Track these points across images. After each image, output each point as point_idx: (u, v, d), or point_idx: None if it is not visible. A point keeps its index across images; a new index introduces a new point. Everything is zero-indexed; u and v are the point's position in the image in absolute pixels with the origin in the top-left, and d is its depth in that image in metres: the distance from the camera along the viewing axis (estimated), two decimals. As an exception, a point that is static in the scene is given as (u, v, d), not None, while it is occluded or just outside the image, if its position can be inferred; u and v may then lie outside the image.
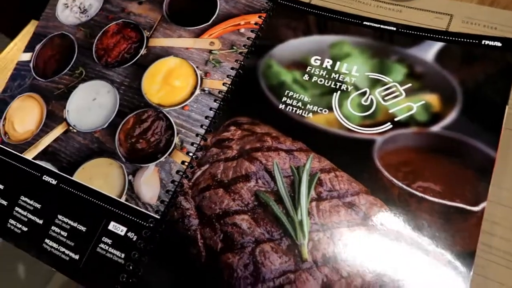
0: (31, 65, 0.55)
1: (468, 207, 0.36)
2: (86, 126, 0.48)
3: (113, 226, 0.42)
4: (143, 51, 0.51)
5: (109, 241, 0.41)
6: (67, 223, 0.43)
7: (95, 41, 0.53)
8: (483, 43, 0.44)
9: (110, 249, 0.41)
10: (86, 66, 0.52)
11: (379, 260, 0.36)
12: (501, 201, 0.36)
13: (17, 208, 0.45)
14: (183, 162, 0.44)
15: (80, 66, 0.52)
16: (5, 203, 0.46)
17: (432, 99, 0.43)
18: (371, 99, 0.44)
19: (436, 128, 0.41)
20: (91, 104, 0.49)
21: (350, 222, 0.38)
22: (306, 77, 0.47)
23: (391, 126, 0.42)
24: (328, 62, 0.47)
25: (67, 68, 0.52)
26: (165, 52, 0.50)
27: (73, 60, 0.53)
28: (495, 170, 0.37)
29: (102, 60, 0.52)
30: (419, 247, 0.36)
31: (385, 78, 0.45)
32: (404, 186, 0.39)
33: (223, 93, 0.47)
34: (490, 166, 0.38)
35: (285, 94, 0.46)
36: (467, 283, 0.33)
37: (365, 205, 0.38)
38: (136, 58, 0.51)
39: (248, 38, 0.50)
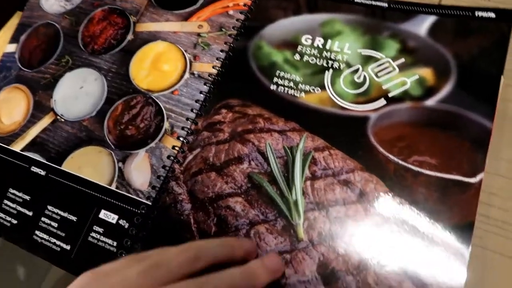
0: (16, 56, 0.53)
1: (465, 179, 0.35)
2: (74, 115, 0.47)
3: (104, 214, 0.41)
4: (130, 37, 0.50)
5: (101, 230, 0.40)
6: (57, 214, 0.42)
7: (81, 28, 0.52)
8: (476, 14, 0.43)
9: (102, 238, 0.40)
10: (73, 54, 0.51)
11: (376, 237, 0.35)
12: (498, 171, 0.35)
13: (5, 201, 0.44)
14: (174, 147, 0.43)
15: (66, 54, 0.51)
16: (-6, 196, 0.45)
17: (426, 73, 0.42)
18: (364, 76, 0.43)
19: (430, 102, 0.40)
20: (78, 93, 0.48)
21: (346, 199, 0.37)
22: (297, 56, 0.46)
23: (385, 102, 0.41)
24: (319, 40, 0.46)
25: (53, 57, 0.51)
26: (153, 37, 0.49)
27: (59, 49, 0.52)
28: (492, 141, 0.36)
29: (88, 48, 0.51)
30: (417, 221, 0.35)
31: (378, 54, 0.44)
32: (400, 161, 0.38)
33: (213, 76, 0.46)
34: (486, 137, 0.37)
35: (277, 74, 0.45)
36: (466, 254, 0.32)
37: (360, 182, 0.38)
38: (123, 44, 0.50)
39: (237, 20, 0.49)
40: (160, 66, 0.47)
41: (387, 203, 0.36)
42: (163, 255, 0.30)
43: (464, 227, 0.34)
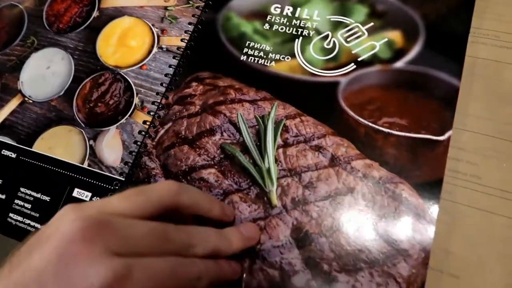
0: (-20, 40, 0.52)
1: (434, 137, 0.36)
2: (42, 95, 0.46)
3: (77, 192, 0.41)
4: (95, 14, 0.49)
5: (74, 208, 0.40)
6: (30, 195, 0.42)
7: (45, 8, 0.51)
8: (443, -25, 0.43)
9: (76, 216, 0.40)
10: (38, 35, 0.50)
11: (348, 198, 0.35)
12: (466, 127, 0.36)
13: (-23, 186, 0.44)
14: (144, 122, 0.43)
15: (31, 35, 0.50)
16: (-35, 182, 0.44)
17: (395, 35, 0.42)
18: (334, 42, 0.43)
19: (399, 63, 0.40)
20: (45, 73, 0.47)
21: (318, 164, 0.37)
22: (266, 26, 0.45)
23: (354, 66, 0.41)
24: (288, 9, 0.46)
25: (18, 39, 0.50)
26: (119, 13, 0.48)
27: (24, 30, 0.50)
28: (460, 98, 0.36)
29: (53, 27, 0.49)
30: (387, 181, 0.35)
31: (347, 20, 0.44)
32: (370, 124, 0.38)
33: (182, 50, 0.45)
34: (454, 95, 0.37)
35: (246, 45, 0.45)
36: (436, 209, 0.33)
37: (332, 146, 0.38)
38: (89, 22, 0.48)
39: (204, -8, 0.48)
40: (127, 42, 0.46)
41: (358, 165, 0.36)
42: (146, 186, 0.30)
43: (433, 184, 0.34)
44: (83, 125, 0.44)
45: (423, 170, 0.35)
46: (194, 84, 0.44)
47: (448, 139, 0.35)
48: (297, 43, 0.44)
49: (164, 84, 0.44)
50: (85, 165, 0.42)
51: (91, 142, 0.43)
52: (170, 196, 0.29)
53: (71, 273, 0.23)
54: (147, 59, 0.45)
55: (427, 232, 0.32)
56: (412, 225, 0.33)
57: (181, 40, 0.46)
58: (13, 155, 0.44)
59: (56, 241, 0.24)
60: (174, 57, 0.45)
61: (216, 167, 0.39)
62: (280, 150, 0.38)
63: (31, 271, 0.23)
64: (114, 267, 0.23)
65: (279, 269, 0.34)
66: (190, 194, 0.30)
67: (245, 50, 0.44)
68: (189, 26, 0.46)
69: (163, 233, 0.27)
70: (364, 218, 0.34)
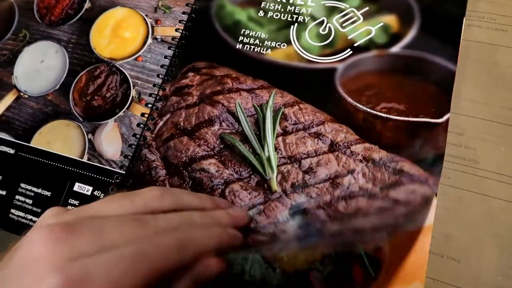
0: (-30, 35, 0.51)
1: (432, 120, 0.36)
2: (37, 90, 0.46)
3: (78, 187, 0.41)
4: (87, 5, 0.48)
5: (76, 202, 0.40)
6: (31, 190, 0.42)
7: (36, 0, 0.50)
8: (437, -43, 0.42)
9: (78, 210, 0.40)
10: (30, 28, 0.49)
11: (348, 178, 0.35)
12: (463, 112, 0.36)
13: (-23, 183, 0.44)
14: (142, 114, 0.42)
15: (23, 28, 0.49)
16: (-36, 180, 0.44)
17: (390, 20, 0.42)
18: (329, 28, 0.43)
19: (396, 48, 0.40)
20: (39, 67, 0.47)
21: (318, 151, 0.37)
22: (261, 13, 0.45)
23: (351, 52, 0.41)
24: (282, -5, 0.45)
25: (10, 33, 0.49)
26: (111, 3, 0.48)
27: (15, 23, 0.49)
28: (456, 82, 0.36)
29: (45, 20, 0.49)
30: (388, 161, 0.35)
31: (342, 5, 0.43)
32: (368, 109, 0.38)
33: (177, 40, 0.45)
34: (451, 79, 0.37)
35: (241, 33, 0.44)
36: (435, 193, 0.33)
37: (331, 132, 0.38)
38: (81, 13, 0.48)
39: (197, -20, 0.47)
40: (121, 33, 0.46)
41: (357, 150, 0.37)
42: (130, 191, 0.30)
43: (432, 167, 0.35)
44: (81, 119, 0.43)
45: (422, 152, 0.35)
46: (190, 74, 0.44)
47: (446, 121, 0.36)
48: (293, 29, 0.44)
49: (160, 76, 0.44)
50: (85, 159, 0.42)
51: (90, 136, 0.43)
52: (153, 201, 0.29)
53: (30, 280, 0.23)
54: (142, 51, 0.45)
55: (427, 215, 0.33)
56: (412, 206, 0.33)
57: (176, 30, 0.45)
58: (12, 151, 0.44)
59: (26, 247, 0.25)
60: (169, 48, 0.45)
61: (216, 157, 0.39)
62: (280, 138, 0.39)
63: (3, 276, 0.24)
64: (68, 273, 0.23)
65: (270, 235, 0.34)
66: (173, 198, 0.31)
67: (240, 38, 0.44)
68: (183, 15, 0.46)
69: (137, 222, 0.27)
70: (364, 199, 0.34)
